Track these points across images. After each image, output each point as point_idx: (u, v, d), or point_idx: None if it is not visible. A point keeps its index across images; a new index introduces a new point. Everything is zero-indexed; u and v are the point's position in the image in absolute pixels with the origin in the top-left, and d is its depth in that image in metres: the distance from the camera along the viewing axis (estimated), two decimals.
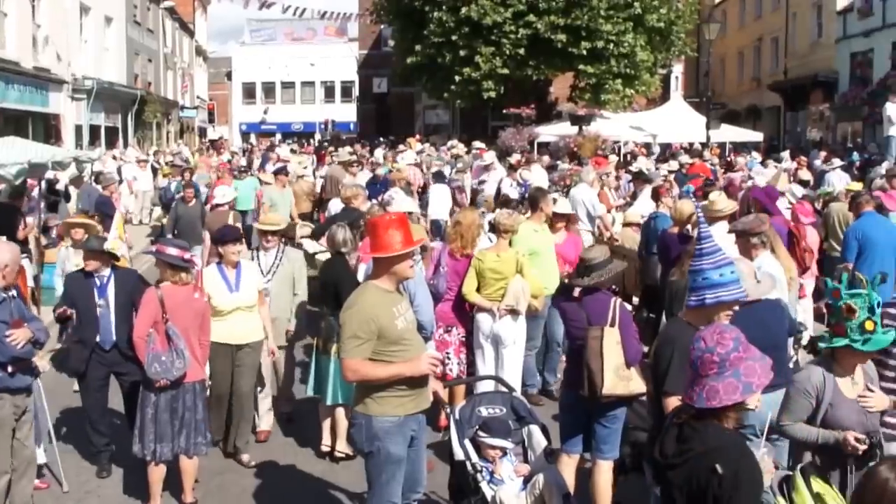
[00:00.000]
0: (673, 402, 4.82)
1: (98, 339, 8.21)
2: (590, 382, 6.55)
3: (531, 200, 10.58)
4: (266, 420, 9.23)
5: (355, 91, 68.67)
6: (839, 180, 18.81)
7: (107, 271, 8.30)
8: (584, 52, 33.54)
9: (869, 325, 5.09)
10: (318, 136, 60.84)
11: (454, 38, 34.12)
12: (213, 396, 8.30)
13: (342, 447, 8.48)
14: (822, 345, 5.28)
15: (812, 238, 11.55)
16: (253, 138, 68.73)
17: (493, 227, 9.34)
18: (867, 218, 11.00)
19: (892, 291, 7.07)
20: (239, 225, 14.21)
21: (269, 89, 79.71)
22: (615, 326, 6.64)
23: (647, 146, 31.67)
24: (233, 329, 8.29)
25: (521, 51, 33.72)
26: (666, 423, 4.20)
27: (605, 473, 6.78)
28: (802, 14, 43.17)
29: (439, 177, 18.44)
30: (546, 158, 23.11)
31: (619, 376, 6.53)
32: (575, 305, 6.91)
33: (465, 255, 9.11)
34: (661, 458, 4.06)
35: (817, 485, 4.71)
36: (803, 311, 11.04)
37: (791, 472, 4.84)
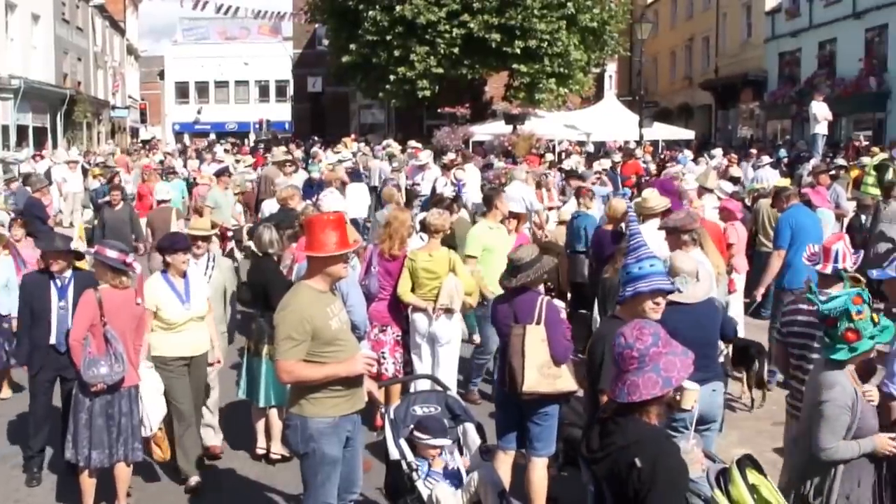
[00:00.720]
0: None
1: (53, 340, 8.08)
2: (511, 379, 6.61)
3: (486, 199, 10.61)
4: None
5: (290, 90, 68.38)
6: (769, 177, 19.14)
7: (69, 273, 8.18)
8: (518, 52, 33.74)
9: (875, 318, 5.16)
10: (252, 136, 60.35)
11: (388, 37, 34.11)
12: (175, 413, 7.87)
13: (277, 449, 8.42)
14: (840, 356, 5.18)
15: (741, 233, 11.76)
16: (186, 138, 67.93)
17: (424, 227, 9.35)
18: (797, 208, 11.21)
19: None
20: (182, 223, 14.07)
21: (202, 89, 78.69)
22: (541, 324, 6.67)
23: (582, 144, 31.97)
24: (187, 341, 7.93)
25: (456, 50, 33.81)
26: (593, 419, 4.24)
27: (539, 470, 6.83)
28: (732, 14, 43.90)
29: (356, 175, 18.47)
30: (491, 157, 23.19)
31: (543, 374, 6.56)
32: (504, 305, 6.96)
33: (394, 255, 9.09)
34: (588, 453, 4.12)
35: (753, 476, 4.77)
36: (734, 306, 11.26)
37: (727, 465, 4.90)
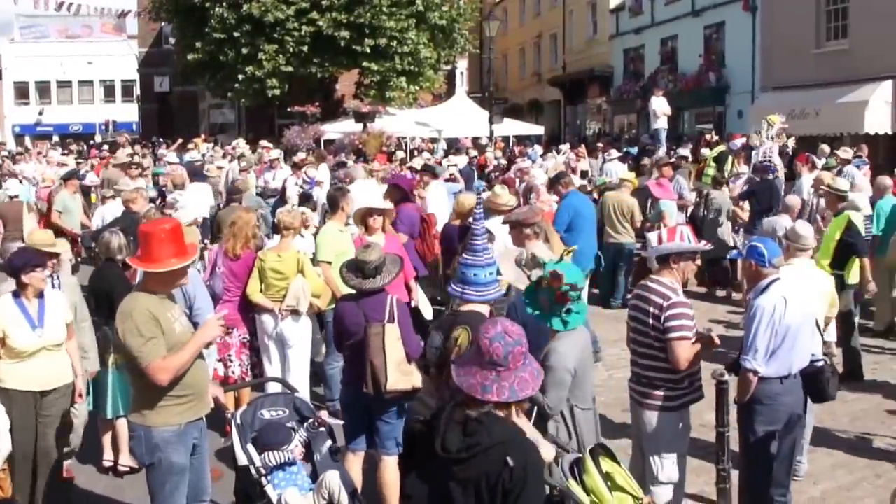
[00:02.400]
0: None
1: None
2: (374, 379, 6.55)
3: (331, 200, 10.19)
4: None
5: (136, 90, 66.62)
6: (617, 170, 19.60)
7: None
8: (368, 50, 33.76)
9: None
10: (98, 138, 58.53)
11: (236, 35, 33.72)
12: (16, 454, 7.00)
13: (125, 461, 8.19)
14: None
15: None
16: (28, 141, 65.43)
17: (275, 227, 9.22)
18: (574, 196, 11.58)
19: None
20: (34, 217, 13.43)
21: (43, 89, 75.82)
22: (394, 322, 6.67)
23: (434, 141, 32.18)
24: (37, 373, 6.98)
25: (305, 48, 33.65)
26: (444, 418, 4.14)
27: (392, 469, 6.77)
28: (579, 12, 44.86)
29: (201, 176, 18.19)
30: (342, 156, 23.07)
31: (401, 371, 6.56)
32: (352, 304, 6.92)
33: (237, 255, 8.94)
34: (445, 454, 4.00)
35: (607, 464, 4.85)
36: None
37: (581, 455, 4.97)
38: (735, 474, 6.97)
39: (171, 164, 20.77)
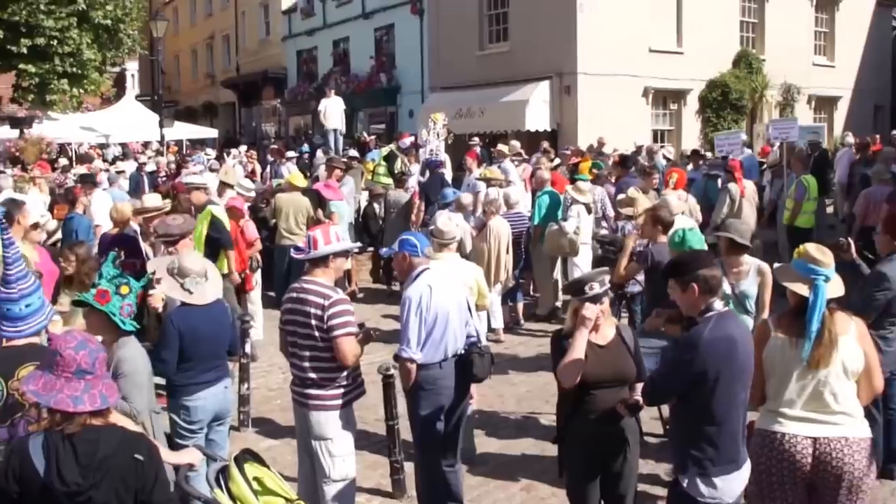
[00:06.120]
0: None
1: None
2: None
3: (6, 214, 9.44)
4: None
5: None
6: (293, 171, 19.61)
7: None
8: (25, 50, 31.82)
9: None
10: None
11: None
12: None
13: None
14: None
15: (251, 231, 12.06)
16: None
17: None
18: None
19: None
20: None
21: None
22: None
23: (103, 147, 30.92)
24: None
25: None
26: (46, 451, 3.81)
27: None
28: (251, 13, 44.60)
29: None
30: (24, 168, 21.60)
31: None
32: None
33: None
34: (68, 487, 3.76)
35: (254, 469, 4.77)
36: (251, 304, 11.50)
37: (227, 462, 4.86)
38: (409, 466, 7.15)
39: None
